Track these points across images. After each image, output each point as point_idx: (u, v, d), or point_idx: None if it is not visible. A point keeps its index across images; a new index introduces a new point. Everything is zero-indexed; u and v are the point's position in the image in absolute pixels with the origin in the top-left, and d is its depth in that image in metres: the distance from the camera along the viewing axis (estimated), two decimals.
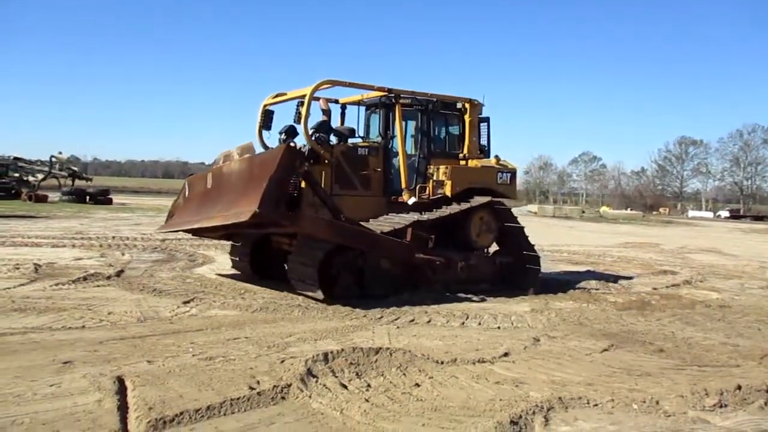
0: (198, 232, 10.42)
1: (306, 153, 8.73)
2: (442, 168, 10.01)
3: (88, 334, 5.94)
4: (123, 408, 4.04)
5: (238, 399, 4.26)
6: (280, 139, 9.51)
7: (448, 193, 9.82)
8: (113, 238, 15.13)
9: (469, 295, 9.11)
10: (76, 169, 38.52)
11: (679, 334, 7.26)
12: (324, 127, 9.39)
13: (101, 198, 33.60)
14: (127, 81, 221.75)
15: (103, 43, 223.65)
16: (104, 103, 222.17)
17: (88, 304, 7.28)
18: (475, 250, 10.03)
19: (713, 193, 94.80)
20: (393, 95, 9.75)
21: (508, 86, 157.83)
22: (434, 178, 9.98)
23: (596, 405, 4.54)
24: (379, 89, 9.73)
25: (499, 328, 7.28)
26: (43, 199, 31.19)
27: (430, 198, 9.81)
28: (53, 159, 36.29)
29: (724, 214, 75.93)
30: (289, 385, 4.59)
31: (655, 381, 5.28)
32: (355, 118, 10.93)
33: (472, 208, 9.75)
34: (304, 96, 9.15)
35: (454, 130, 10.80)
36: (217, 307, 7.61)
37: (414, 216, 9.22)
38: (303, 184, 8.43)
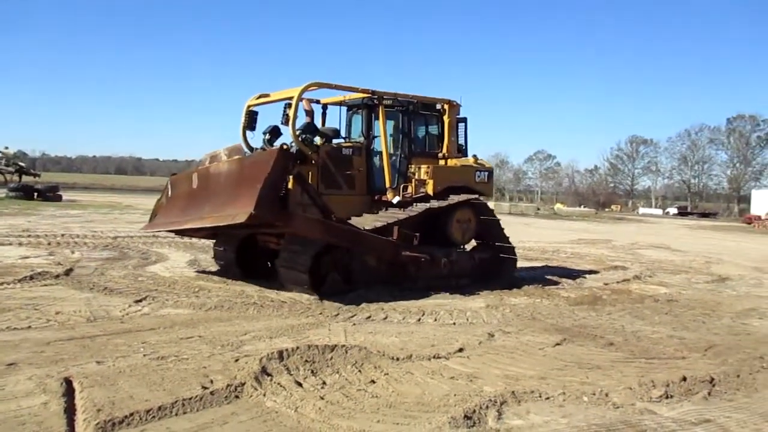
0: (182, 231, 10.46)
1: (294, 154, 8.82)
2: (423, 167, 10.27)
3: (34, 335, 5.76)
4: (70, 410, 3.93)
5: (190, 399, 4.19)
6: (264, 140, 9.58)
7: (430, 192, 10.08)
8: (62, 235, 14.68)
9: (428, 292, 9.16)
10: (23, 164, 37.47)
11: (629, 328, 7.46)
12: (310, 128, 9.56)
13: (50, 194, 32.51)
14: (78, 73, 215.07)
15: (51, 33, 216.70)
16: (54, 96, 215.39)
17: (34, 304, 7.05)
18: (455, 247, 10.28)
19: (662, 191, 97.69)
20: (376, 97, 9.94)
21: (463, 84, 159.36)
22: (415, 177, 10.22)
23: (548, 398, 4.64)
24: (363, 91, 9.91)
25: (454, 324, 7.35)
26: None
27: (413, 196, 10.00)
28: None
29: (673, 211, 78.35)
30: (243, 384, 4.55)
31: (605, 374, 5.41)
32: (335, 118, 11.07)
33: (455, 204, 10.03)
34: (289, 97, 9.25)
35: (433, 130, 11.09)
36: (170, 305, 7.47)
37: (400, 214, 9.44)
38: (290, 185, 8.43)
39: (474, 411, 4.21)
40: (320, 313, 7.41)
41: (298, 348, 5.49)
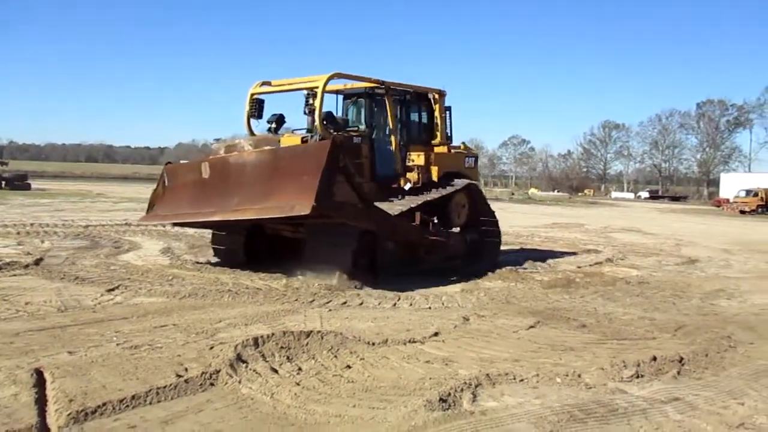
0: (187, 224, 10.48)
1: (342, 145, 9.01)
2: (422, 155, 10.65)
3: (3, 326, 5.65)
4: (41, 401, 3.88)
5: (164, 387, 4.16)
6: (269, 128, 9.84)
7: (435, 178, 10.56)
8: (32, 225, 14.41)
9: (399, 277, 9.18)
10: None
11: (601, 310, 7.57)
12: (329, 117, 9.72)
13: (18, 183, 31.96)
14: (46, 60, 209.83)
15: (19, 20, 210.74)
16: (21, 82, 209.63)
17: (3, 295, 6.91)
18: (453, 229, 10.83)
19: (634, 175, 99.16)
20: (384, 87, 10.21)
21: (436, 70, 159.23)
22: (418, 164, 10.54)
23: (522, 380, 4.69)
24: (376, 81, 10.15)
25: (430, 308, 7.40)
26: None
27: (421, 182, 10.44)
28: None
29: (644, 195, 79.56)
30: (218, 372, 4.52)
31: (578, 355, 5.49)
32: (330, 107, 11.24)
33: (456, 190, 10.62)
34: (310, 88, 9.43)
35: (424, 118, 11.43)
36: (144, 294, 7.39)
37: (423, 197, 9.89)
38: None
39: (449, 394, 4.24)
40: (296, 300, 7.39)
41: (273, 334, 5.47)
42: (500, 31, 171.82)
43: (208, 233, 13.62)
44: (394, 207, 9.39)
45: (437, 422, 3.80)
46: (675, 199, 73.91)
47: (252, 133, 10.35)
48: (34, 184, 34.79)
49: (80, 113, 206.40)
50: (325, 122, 9.31)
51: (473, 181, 11.26)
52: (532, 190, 74.21)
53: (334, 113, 10.76)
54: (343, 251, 8.56)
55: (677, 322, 6.98)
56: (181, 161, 10.88)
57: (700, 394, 4.53)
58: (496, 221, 11.73)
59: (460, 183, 10.72)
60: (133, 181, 55.43)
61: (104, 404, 3.82)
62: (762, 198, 45.98)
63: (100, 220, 16.44)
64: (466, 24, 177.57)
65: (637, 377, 4.86)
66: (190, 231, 14.09)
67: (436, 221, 10.09)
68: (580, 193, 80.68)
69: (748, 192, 47.28)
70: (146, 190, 36.64)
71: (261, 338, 5.33)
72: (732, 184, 58.23)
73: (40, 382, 4.17)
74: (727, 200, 50.30)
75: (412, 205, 9.54)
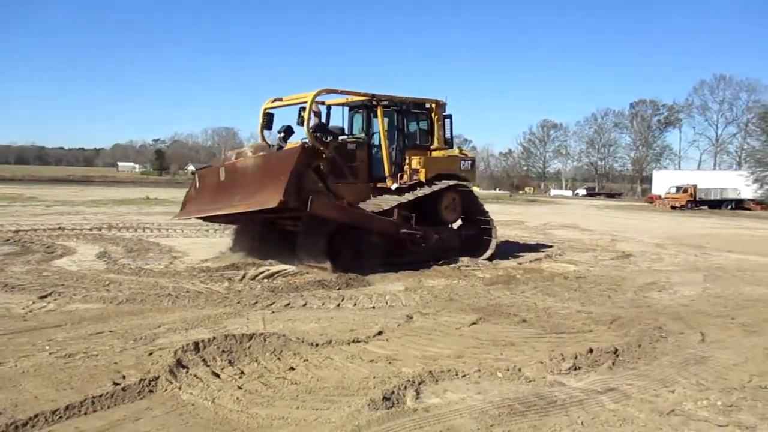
0: (212, 218, 11.55)
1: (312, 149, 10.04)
2: (416, 158, 11.67)
3: None
4: None
5: (100, 396, 4.05)
6: (279, 138, 10.89)
7: (423, 179, 11.46)
8: None
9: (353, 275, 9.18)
10: None
11: (541, 305, 7.76)
12: (321, 127, 11.00)
13: None
14: None
15: None
16: None
17: None
18: (444, 225, 11.80)
19: (572, 173, 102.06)
20: (375, 99, 11.30)
21: (379, 70, 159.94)
22: (410, 166, 11.55)
23: (464, 376, 4.77)
24: (364, 95, 11.27)
25: (373, 307, 7.42)
26: None
27: (408, 183, 11.40)
28: None
29: (582, 192, 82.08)
30: (157, 378, 4.42)
31: (518, 350, 5.62)
32: (338, 118, 12.57)
33: (441, 189, 11.49)
34: (304, 101, 10.49)
35: (423, 125, 12.51)
36: (79, 300, 7.14)
37: (399, 198, 10.79)
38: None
39: (393, 392, 4.27)
40: (238, 303, 7.29)
41: (214, 338, 5.38)
42: (440, 31, 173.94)
43: (145, 237, 13.36)
44: (370, 205, 10.48)
45: (381, 421, 3.83)
46: (611, 195, 76.47)
47: (265, 142, 11.45)
48: None
49: (9, 113, 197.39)
50: (317, 132, 10.41)
51: (460, 182, 11.98)
52: (475, 188, 75.39)
53: (341, 124, 12.26)
54: (319, 241, 9.62)
55: (612, 315, 7.22)
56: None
57: (633, 384, 4.71)
58: (488, 218, 12.64)
59: (443, 184, 11.53)
60: (67, 184, 53.39)
61: (36, 416, 3.69)
62: (691, 194, 48.19)
63: (31, 224, 15.75)
64: (404, 24, 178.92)
65: (575, 369, 5.02)
66: (128, 235, 13.78)
67: (414, 217, 10.91)
68: (520, 191, 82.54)
69: (678, 188, 49.47)
70: (81, 193, 35.55)
71: (202, 342, 5.23)
72: (663, 181, 60.53)
73: None
74: (659, 197, 52.33)
75: (393, 204, 10.58)
